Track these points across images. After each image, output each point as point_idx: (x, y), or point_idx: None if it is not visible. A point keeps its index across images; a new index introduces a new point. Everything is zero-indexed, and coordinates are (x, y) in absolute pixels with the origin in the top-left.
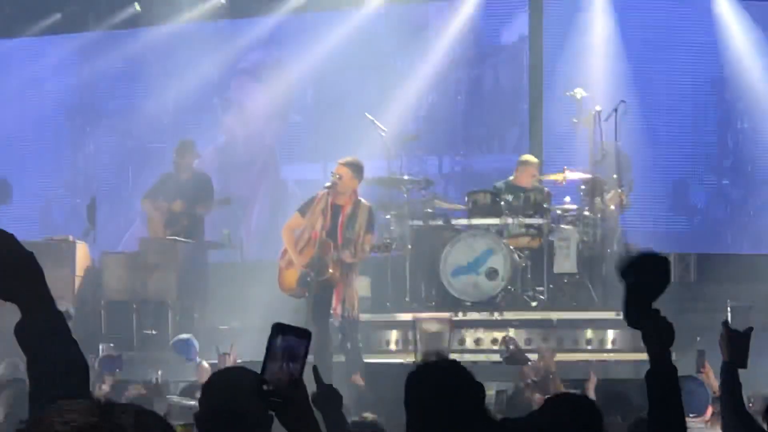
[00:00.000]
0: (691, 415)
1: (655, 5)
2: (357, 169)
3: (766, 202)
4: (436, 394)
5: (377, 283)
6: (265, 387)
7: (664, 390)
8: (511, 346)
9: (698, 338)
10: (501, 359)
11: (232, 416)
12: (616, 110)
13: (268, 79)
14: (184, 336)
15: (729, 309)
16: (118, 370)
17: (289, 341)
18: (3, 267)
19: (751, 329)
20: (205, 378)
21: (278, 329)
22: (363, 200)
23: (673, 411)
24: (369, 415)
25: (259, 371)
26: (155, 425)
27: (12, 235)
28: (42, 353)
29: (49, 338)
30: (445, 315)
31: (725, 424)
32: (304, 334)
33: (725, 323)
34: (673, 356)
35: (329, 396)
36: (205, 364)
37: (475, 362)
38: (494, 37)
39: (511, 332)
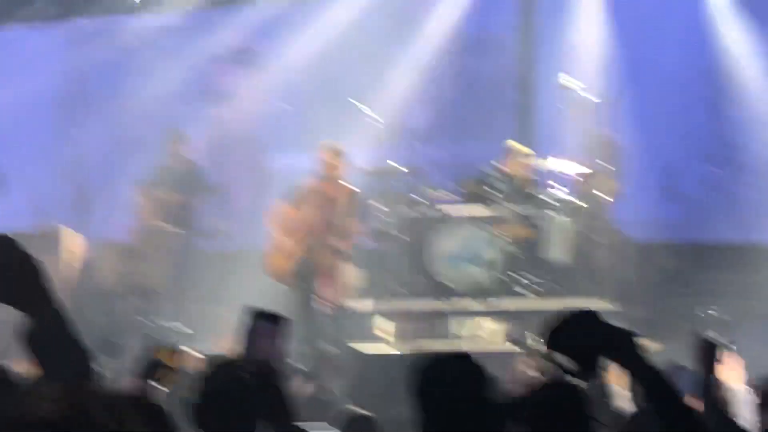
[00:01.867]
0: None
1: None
2: (343, 155)
3: (754, 188)
4: (451, 387)
5: (370, 273)
6: (243, 375)
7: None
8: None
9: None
10: (509, 340)
11: (229, 405)
12: (606, 98)
13: (256, 66)
14: None
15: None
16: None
17: (265, 325)
18: (2, 270)
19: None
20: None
21: (255, 315)
22: (351, 187)
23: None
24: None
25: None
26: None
27: (9, 236)
28: (47, 358)
29: (51, 339)
30: None
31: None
32: (278, 319)
33: (705, 341)
34: (665, 344)
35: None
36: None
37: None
38: (487, 28)
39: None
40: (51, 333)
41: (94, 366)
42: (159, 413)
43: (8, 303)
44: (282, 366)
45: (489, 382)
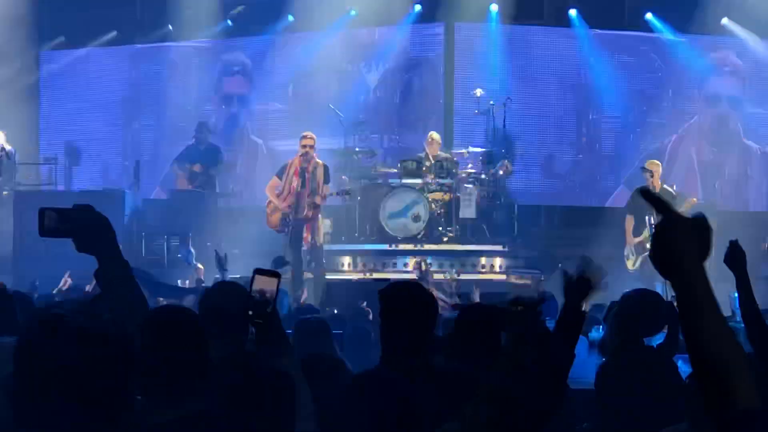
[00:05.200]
0: (547, 318)
1: (534, 31)
2: (315, 140)
3: (607, 170)
4: (407, 304)
5: (336, 223)
6: (250, 312)
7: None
8: (423, 268)
9: (560, 265)
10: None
11: (225, 316)
12: (504, 104)
13: (260, 78)
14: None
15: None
16: None
17: (265, 280)
18: (85, 229)
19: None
20: (201, 274)
21: (257, 271)
22: (319, 161)
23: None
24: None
25: (247, 285)
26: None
27: (90, 205)
28: (114, 292)
29: (118, 281)
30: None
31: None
32: (275, 275)
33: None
34: (543, 277)
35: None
36: (200, 265)
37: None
38: (421, 53)
39: (429, 259)
40: (116, 274)
41: (146, 303)
42: (194, 321)
43: (90, 253)
44: (272, 304)
45: (434, 303)
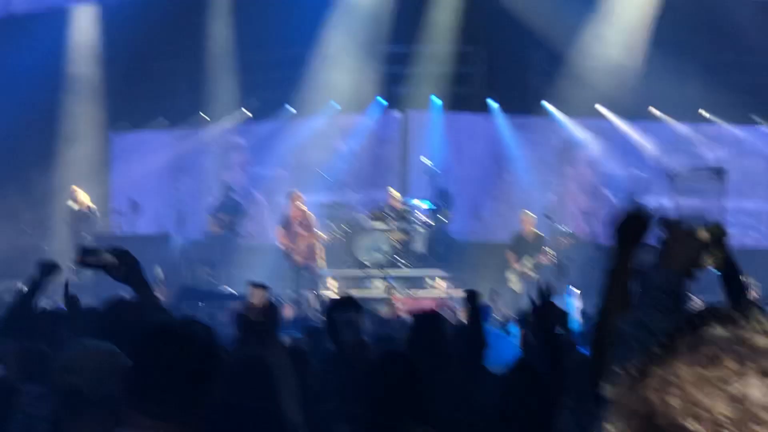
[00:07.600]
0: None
1: (464, 116)
2: (303, 197)
3: (515, 215)
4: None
5: (329, 255)
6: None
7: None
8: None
9: (489, 290)
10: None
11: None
12: (443, 171)
13: (269, 151)
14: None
15: None
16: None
17: (255, 291)
18: (116, 266)
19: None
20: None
21: (249, 283)
22: (309, 212)
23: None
24: None
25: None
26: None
27: (127, 250)
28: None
29: (147, 308)
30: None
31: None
32: (264, 287)
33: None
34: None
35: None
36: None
37: (371, 297)
38: (385, 132)
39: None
40: (146, 300)
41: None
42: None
43: (126, 284)
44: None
45: (360, 307)
